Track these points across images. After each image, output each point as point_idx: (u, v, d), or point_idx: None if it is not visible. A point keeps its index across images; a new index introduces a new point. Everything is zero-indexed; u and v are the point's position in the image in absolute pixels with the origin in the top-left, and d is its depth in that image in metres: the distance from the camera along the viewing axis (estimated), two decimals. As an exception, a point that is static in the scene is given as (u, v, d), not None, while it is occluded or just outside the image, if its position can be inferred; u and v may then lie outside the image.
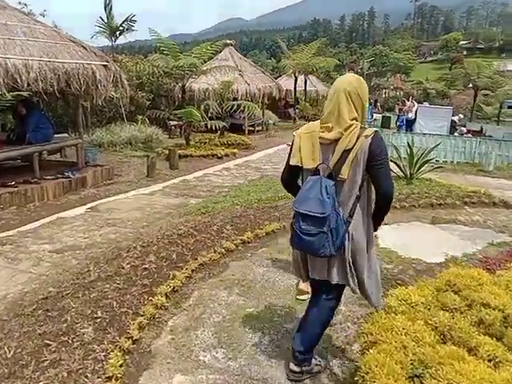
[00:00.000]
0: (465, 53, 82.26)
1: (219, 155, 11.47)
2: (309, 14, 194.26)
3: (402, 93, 41.39)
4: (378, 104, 24.56)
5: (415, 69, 77.49)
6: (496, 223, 5.73)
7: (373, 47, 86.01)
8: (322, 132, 2.24)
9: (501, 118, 21.78)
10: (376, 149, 2.15)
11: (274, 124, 19.09)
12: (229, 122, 14.62)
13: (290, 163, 2.36)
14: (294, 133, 2.39)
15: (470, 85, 25.60)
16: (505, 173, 10.44)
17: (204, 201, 6.97)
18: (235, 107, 13.84)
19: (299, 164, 2.31)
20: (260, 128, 17.49)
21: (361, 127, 2.20)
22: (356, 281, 2.31)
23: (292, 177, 2.46)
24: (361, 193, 2.22)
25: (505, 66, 20.36)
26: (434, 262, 4.27)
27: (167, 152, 10.39)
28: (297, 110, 22.28)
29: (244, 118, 15.82)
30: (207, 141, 12.74)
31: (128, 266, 3.88)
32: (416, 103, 20.54)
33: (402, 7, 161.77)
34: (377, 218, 2.38)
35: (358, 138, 2.15)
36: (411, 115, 19.49)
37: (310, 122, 2.42)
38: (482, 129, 18.23)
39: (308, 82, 23.86)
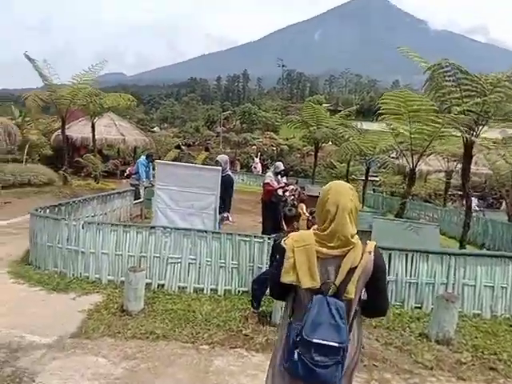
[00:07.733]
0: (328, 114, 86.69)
1: None
2: (187, 73, 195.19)
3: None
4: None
5: (283, 127, 78.84)
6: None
7: (242, 105, 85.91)
8: (322, 247, 2.02)
9: (369, 178, 17.78)
10: (381, 265, 2.08)
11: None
12: None
13: (283, 281, 2.05)
14: (283, 244, 2.10)
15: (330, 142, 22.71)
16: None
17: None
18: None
19: (295, 283, 2.02)
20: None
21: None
22: None
23: (285, 293, 2.14)
24: (358, 307, 2.07)
25: (361, 125, 18.50)
26: None
27: None
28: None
29: None
30: None
31: None
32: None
33: (273, 72, 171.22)
34: None
35: (362, 255, 2.01)
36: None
37: (300, 232, 2.18)
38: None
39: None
